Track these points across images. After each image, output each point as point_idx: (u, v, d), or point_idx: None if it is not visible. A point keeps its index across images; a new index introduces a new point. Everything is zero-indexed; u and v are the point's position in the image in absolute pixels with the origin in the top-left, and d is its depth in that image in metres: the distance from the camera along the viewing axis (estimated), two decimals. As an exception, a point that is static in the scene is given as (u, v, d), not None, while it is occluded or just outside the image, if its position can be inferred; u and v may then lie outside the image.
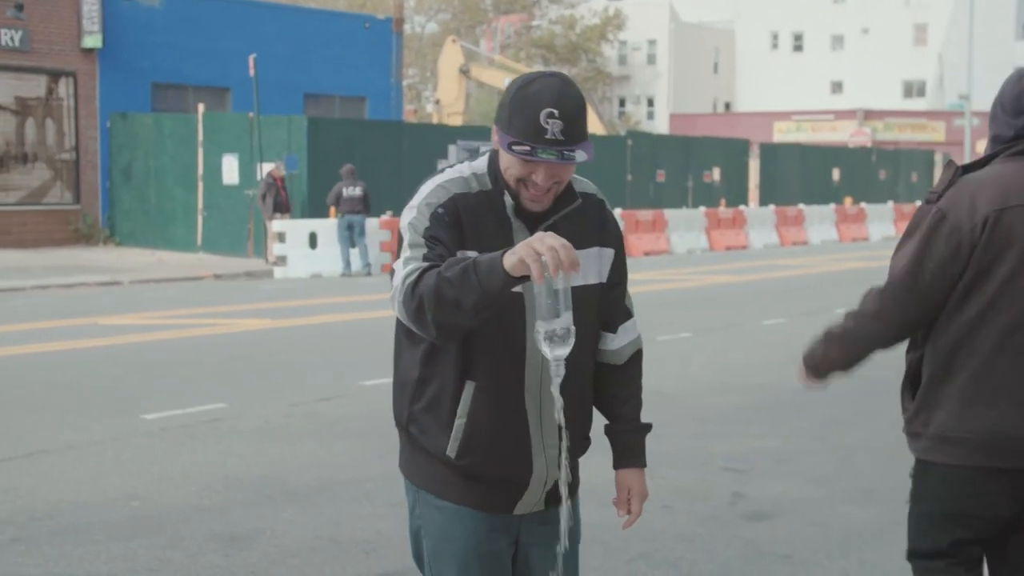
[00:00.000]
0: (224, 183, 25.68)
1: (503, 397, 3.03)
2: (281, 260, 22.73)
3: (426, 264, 2.84)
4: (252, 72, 24.62)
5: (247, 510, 6.79)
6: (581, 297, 2.95)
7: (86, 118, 27.64)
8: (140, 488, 7.22)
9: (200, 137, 25.95)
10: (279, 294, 18.98)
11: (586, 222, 3.12)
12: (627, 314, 3.33)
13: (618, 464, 3.33)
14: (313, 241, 23.01)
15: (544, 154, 2.84)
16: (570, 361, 2.77)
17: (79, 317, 15.58)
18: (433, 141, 28.17)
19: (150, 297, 18.43)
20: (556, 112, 2.84)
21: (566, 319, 2.69)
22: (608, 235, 3.18)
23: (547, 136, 2.85)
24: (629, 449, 3.33)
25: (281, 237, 22.80)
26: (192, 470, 7.66)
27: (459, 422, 3.02)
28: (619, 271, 3.23)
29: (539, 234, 2.67)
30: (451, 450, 3.05)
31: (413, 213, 2.98)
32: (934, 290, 3.45)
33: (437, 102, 39.93)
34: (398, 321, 3.06)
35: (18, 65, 26.52)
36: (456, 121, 37.36)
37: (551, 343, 2.71)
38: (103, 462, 7.88)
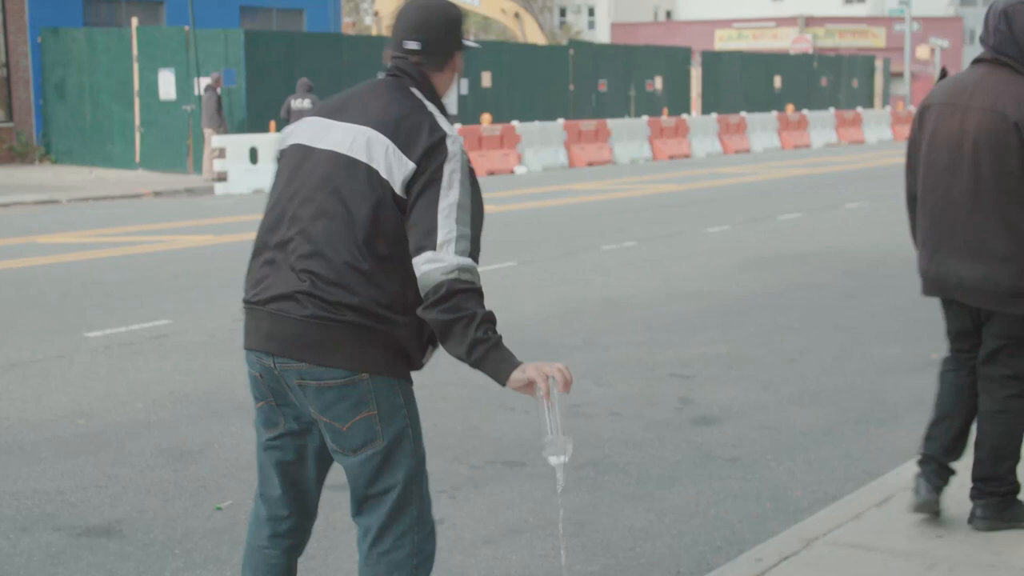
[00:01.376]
0: (161, 99, 25.25)
1: None
2: (222, 176, 22.46)
3: (479, 282, 3.15)
4: (186, -16, 24.10)
5: (195, 425, 6.76)
6: None
7: (15, 33, 26.98)
8: (85, 405, 7.16)
9: (135, 52, 25.45)
10: (221, 210, 18.77)
11: None
12: None
13: None
14: (254, 156, 22.73)
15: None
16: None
17: (17, 236, 15.35)
18: (372, 54, 27.78)
19: (89, 215, 18.18)
20: None
21: (565, 435, 3.17)
22: None
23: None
24: None
25: (221, 153, 22.51)
26: (138, 387, 7.60)
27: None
28: None
29: (543, 362, 3.14)
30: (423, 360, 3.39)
31: (465, 186, 3.22)
32: (913, 164, 4.87)
33: (376, 14, 39.37)
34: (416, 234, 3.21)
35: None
36: (396, 33, 36.88)
37: (554, 452, 3.16)
38: (47, 380, 7.80)
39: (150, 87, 25.36)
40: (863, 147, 36.26)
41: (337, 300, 3.15)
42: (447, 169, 3.18)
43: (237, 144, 22.74)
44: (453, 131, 3.27)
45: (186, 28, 24.71)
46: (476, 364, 3.09)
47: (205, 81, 23.75)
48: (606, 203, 19.46)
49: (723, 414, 7.02)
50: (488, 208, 3.38)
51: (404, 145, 3.19)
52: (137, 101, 25.53)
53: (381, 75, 3.45)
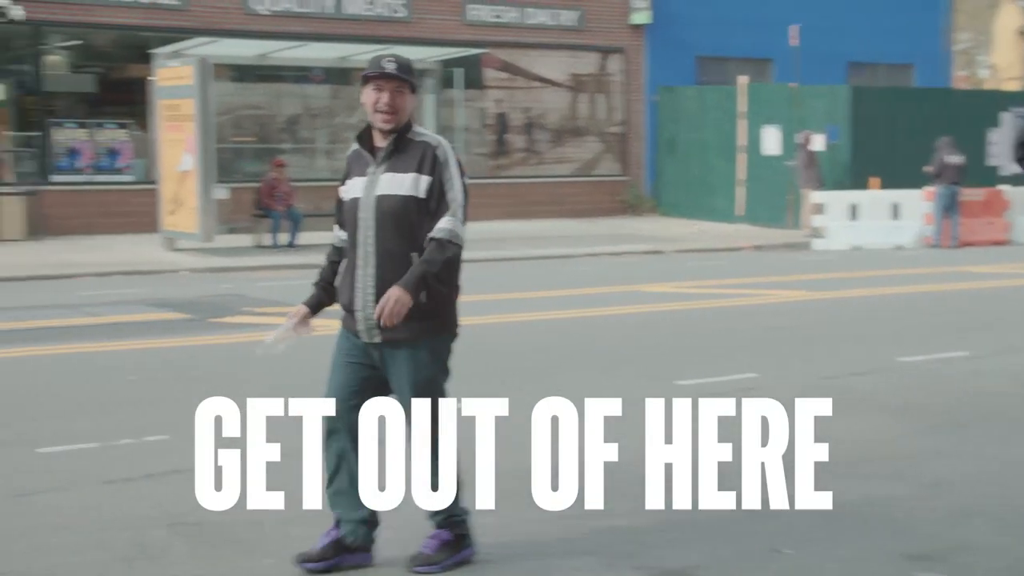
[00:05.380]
0: (764, 154, 25.77)
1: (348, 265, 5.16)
2: (820, 231, 22.52)
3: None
4: (794, 42, 24.50)
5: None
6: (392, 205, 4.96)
7: (634, 92, 28.67)
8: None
9: (742, 109, 26.17)
10: (816, 266, 18.82)
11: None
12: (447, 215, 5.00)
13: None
14: (854, 212, 22.60)
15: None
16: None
17: (623, 284, 16.24)
18: (983, 108, 26.77)
19: (690, 266, 18.88)
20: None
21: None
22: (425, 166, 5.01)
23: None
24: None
25: (820, 208, 22.60)
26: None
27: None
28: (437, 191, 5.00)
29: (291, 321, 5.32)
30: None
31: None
32: None
33: (992, 67, 37.91)
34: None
35: (572, 43, 27.96)
36: (1012, 86, 35.31)
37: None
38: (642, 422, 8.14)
39: (754, 142, 25.95)
40: None
41: None
42: None
43: (837, 200, 22.73)
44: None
45: (792, 85, 25.06)
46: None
47: (815, 139, 24.01)
48: None
49: None
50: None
51: None
52: (741, 157, 26.21)
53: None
